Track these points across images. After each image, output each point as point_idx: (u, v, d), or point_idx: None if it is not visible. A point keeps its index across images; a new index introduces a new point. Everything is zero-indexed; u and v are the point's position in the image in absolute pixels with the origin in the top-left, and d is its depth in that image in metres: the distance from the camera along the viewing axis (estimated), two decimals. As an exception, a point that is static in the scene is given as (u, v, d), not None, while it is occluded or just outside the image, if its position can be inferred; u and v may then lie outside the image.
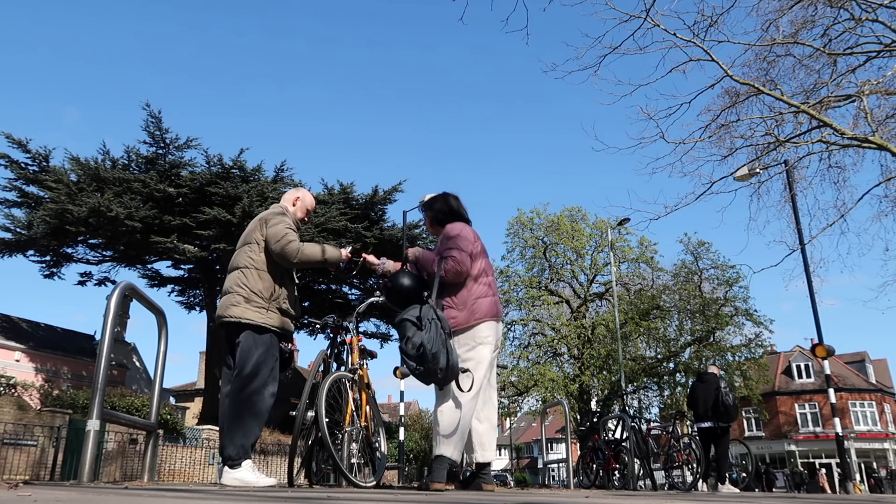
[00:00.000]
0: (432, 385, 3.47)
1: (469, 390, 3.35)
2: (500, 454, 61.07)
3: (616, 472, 8.61)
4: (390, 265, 3.96)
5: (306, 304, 23.42)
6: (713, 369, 9.94)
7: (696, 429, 9.31)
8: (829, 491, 30.56)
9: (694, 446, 8.94)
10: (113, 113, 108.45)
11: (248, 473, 3.57)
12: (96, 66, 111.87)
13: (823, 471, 35.58)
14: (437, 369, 3.20)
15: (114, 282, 22.62)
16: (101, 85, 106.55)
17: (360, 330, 4.11)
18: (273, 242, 3.81)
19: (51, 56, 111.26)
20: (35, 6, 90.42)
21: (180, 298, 25.41)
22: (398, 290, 3.56)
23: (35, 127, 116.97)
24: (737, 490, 9.23)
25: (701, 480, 8.79)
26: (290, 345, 3.98)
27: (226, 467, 3.61)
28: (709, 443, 9.04)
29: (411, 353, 3.21)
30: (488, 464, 3.59)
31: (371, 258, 4.08)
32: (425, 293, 3.47)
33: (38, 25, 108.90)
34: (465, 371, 3.36)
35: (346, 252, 4.02)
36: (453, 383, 3.39)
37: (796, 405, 40.26)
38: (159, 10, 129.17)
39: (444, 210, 3.86)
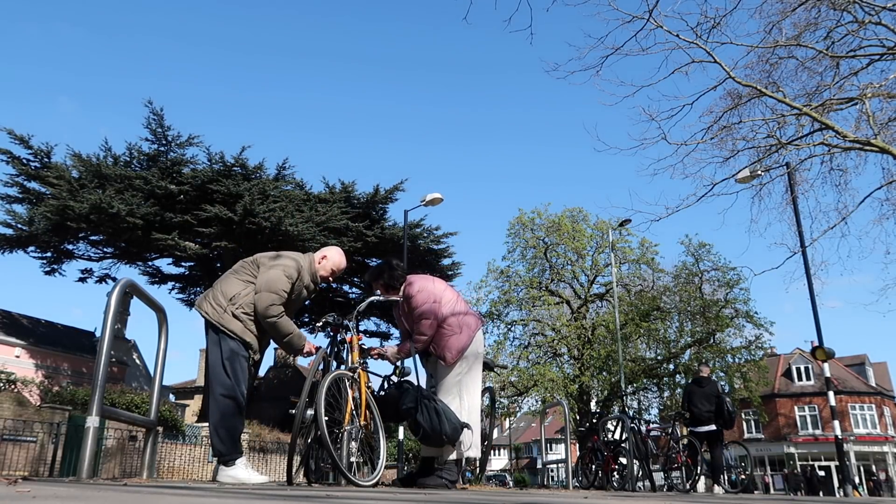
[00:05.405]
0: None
1: (469, 449, 4.08)
2: (499, 454, 61.09)
3: (615, 473, 8.60)
4: (391, 352, 4.33)
5: (307, 302, 23.30)
6: (706, 370, 9.90)
7: (689, 432, 9.26)
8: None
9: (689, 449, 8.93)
10: (112, 106, 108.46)
11: (242, 471, 3.64)
12: (94, 60, 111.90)
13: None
14: (443, 439, 3.89)
15: (114, 279, 22.62)
16: (100, 78, 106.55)
17: (361, 329, 4.11)
18: (262, 284, 3.75)
19: (47, 47, 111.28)
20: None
21: (181, 296, 25.39)
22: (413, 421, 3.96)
23: (30, 116, 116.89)
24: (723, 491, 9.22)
25: (700, 480, 8.78)
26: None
27: (220, 465, 3.68)
28: (702, 446, 9.02)
29: (419, 435, 3.93)
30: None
31: (377, 351, 4.36)
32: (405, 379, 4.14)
33: (35, 14, 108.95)
34: (466, 426, 4.00)
35: (309, 346, 3.99)
36: (457, 399, 4.11)
37: (796, 408, 40.22)
38: (158, 5, 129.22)
39: (395, 277, 4.25)
